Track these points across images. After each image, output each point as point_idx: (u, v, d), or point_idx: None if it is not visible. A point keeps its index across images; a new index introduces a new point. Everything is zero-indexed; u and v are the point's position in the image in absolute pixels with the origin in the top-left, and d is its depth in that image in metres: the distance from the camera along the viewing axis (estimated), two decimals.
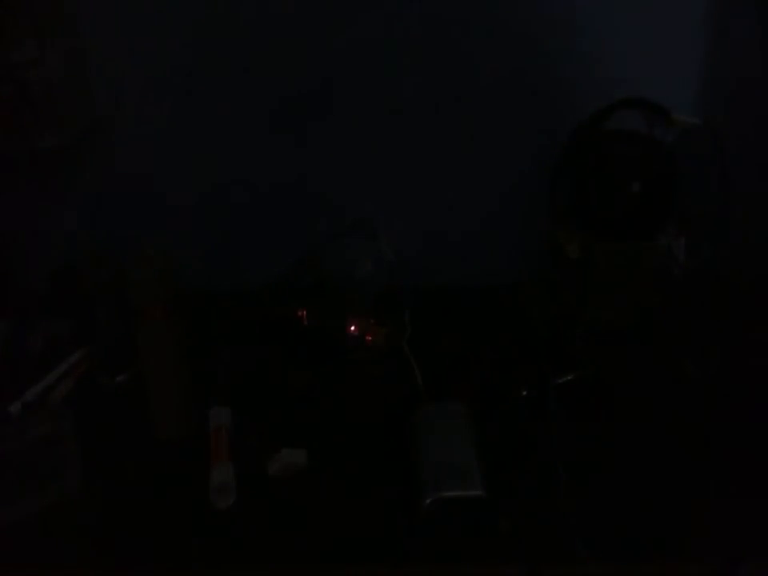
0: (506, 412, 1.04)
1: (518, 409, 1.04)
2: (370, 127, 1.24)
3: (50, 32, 1.10)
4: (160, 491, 0.95)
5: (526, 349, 1.14)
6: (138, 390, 1.01)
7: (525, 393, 1.06)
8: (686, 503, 0.91)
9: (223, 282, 1.27)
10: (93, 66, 1.18)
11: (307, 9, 1.16)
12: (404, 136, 1.25)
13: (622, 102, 1.14)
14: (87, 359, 1.15)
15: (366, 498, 0.93)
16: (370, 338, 1.16)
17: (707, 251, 1.15)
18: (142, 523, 0.91)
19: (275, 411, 1.06)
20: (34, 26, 1.08)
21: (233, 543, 0.88)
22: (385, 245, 1.19)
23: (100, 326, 1.17)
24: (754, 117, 1.21)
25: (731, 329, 1.16)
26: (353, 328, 1.16)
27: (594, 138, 1.15)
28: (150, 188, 1.26)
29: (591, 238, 1.14)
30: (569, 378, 1.07)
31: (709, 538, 0.87)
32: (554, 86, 1.20)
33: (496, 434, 0.99)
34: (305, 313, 1.18)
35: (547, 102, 1.21)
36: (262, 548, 0.88)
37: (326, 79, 1.21)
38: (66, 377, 1.12)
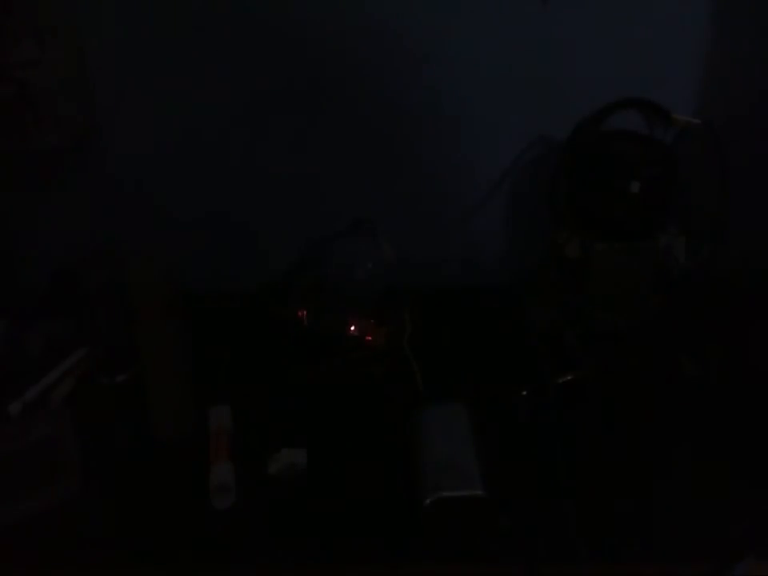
0: (506, 412, 1.04)
1: (518, 409, 1.04)
2: (370, 127, 1.24)
3: (49, 32, 1.09)
4: (160, 491, 0.95)
5: (526, 349, 1.14)
6: (138, 390, 1.01)
7: (525, 393, 1.06)
8: (686, 503, 0.92)
9: (223, 282, 1.27)
10: (93, 67, 1.18)
11: (306, 9, 1.16)
12: (404, 136, 1.25)
13: (622, 102, 1.14)
14: (87, 359, 1.15)
15: (366, 498, 0.93)
16: (369, 338, 1.16)
17: (707, 251, 1.15)
18: (142, 523, 0.91)
19: (275, 411, 1.06)
20: (34, 26, 1.08)
21: (233, 543, 0.88)
22: (385, 245, 1.19)
23: (100, 326, 1.17)
24: (754, 117, 1.21)
25: (731, 329, 1.16)
26: (353, 328, 1.16)
27: (593, 138, 1.15)
28: (150, 188, 1.26)
29: (591, 238, 1.14)
30: (569, 377, 1.07)
31: (708, 537, 0.87)
32: (554, 86, 1.20)
33: (496, 433, 0.99)
34: (305, 313, 1.18)
35: (547, 102, 1.21)
36: (262, 548, 0.88)
37: (326, 79, 1.21)
38: (65, 377, 1.12)
